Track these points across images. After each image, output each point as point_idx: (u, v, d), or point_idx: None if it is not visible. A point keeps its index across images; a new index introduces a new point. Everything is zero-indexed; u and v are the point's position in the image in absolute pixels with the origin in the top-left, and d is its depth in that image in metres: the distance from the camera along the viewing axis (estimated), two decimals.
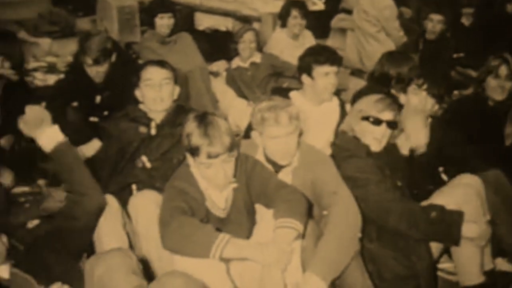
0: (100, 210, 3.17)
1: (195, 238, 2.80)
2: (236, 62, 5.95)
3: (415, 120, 3.75)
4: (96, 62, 4.60)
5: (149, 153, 3.72)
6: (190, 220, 2.90)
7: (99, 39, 4.61)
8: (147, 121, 3.78)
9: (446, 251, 3.66)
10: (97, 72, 4.64)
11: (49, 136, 3.14)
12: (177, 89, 3.89)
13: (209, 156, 2.92)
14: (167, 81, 3.80)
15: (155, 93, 3.76)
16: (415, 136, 3.72)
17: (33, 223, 3.63)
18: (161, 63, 3.87)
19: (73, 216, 3.06)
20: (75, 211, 3.06)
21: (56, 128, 3.18)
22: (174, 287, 2.44)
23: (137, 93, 3.84)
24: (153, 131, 3.77)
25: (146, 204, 3.28)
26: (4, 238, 2.95)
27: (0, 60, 4.32)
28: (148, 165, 3.71)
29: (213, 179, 3.02)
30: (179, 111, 3.84)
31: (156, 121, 3.79)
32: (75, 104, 4.73)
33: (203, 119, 2.96)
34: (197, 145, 2.92)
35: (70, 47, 6.94)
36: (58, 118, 4.46)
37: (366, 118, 3.51)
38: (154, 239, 3.06)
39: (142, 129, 3.77)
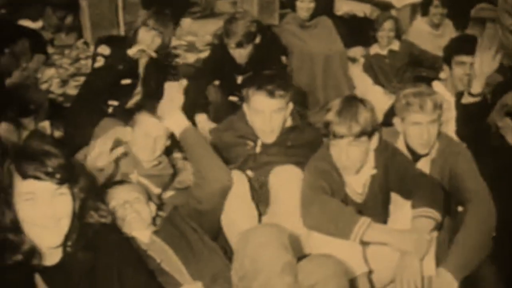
0: (224, 191, 3.16)
1: (337, 219, 2.86)
2: (374, 49, 5.93)
3: None
4: (239, 45, 4.69)
5: (254, 168, 3.61)
6: (333, 200, 2.96)
7: (243, 23, 4.68)
8: (254, 138, 3.64)
9: None
10: (240, 54, 4.75)
11: (176, 121, 3.21)
12: (290, 107, 3.62)
13: (334, 135, 2.99)
14: (278, 111, 3.51)
15: (265, 124, 3.54)
16: None
17: (167, 194, 3.82)
18: (271, 92, 3.46)
19: (198, 199, 3.11)
20: (198, 193, 3.11)
21: (181, 115, 3.24)
22: (325, 269, 2.49)
23: (245, 109, 3.67)
24: (258, 149, 3.65)
25: (288, 179, 3.29)
26: (153, 207, 3.12)
27: (152, 35, 4.48)
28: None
29: (336, 160, 3.08)
30: (291, 132, 3.67)
31: (263, 141, 3.63)
32: (216, 83, 4.88)
33: (347, 101, 3.06)
34: (328, 121, 3.01)
35: (209, 27, 7.17)
36: (199, 96, 4.75)
37: (510, 114, 3.45)
38: (293, 216, 3.10)
39: (249, 145, 3.66)
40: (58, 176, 2.05)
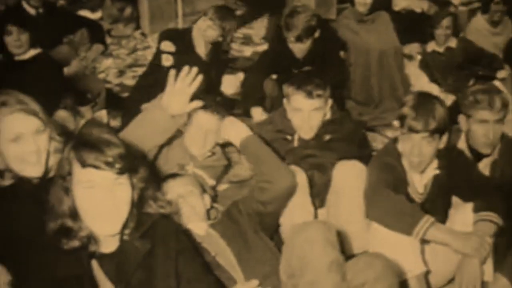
0: (291, 192, 3.09)
1: (402, 213, 2.83)
2: (431, 46, 5.83)
3: None
4: (299, 39, 4.67)
5: (293, 163, 3.53)
6: (397, 195, 2.93)
7: (303, 17, 4.65)
8: (292, 132, 3.66)
9: None
10: (299, 48, 4.73)
11: (236, 133, 3.06)
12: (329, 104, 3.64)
13: (410, 129, 2.95)
14: (316, 110, 3.56)
15: (303, 122, 3.58)
16: None
17: (222, 187, 3.83)
18: (310, 93, 3.51)
19: (264, 203, 3.02)
20: (264, 197, 3.01)
21: (241, 125, 3.11)
22: (375, 269, 2.46)
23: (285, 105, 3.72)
24: (295, 143, 3.66)
25: (351, 174, 3.27)
26: (208, 200, 3.13)
27: (207, 25, 4.51)
28: None
29: (407, 154, 3.04)
30: (329, 125, 3.67)
31: (301, 136, 3.65)
32: (274, 77, 4.88)
33: (423, 96, 3.04)
34: (404, 115, 2.98)
35: (266, 21, 7.17)
36: (255, 90, 4.75)
37: None
38: (357, 210, 3.11)
39: (287, 139, 3.67)
40: (117, 166, 2.05)
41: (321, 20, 4.94)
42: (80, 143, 2.08)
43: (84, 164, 2.04)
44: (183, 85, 2.65)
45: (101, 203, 2.06)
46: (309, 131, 3.58)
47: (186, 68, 2.66)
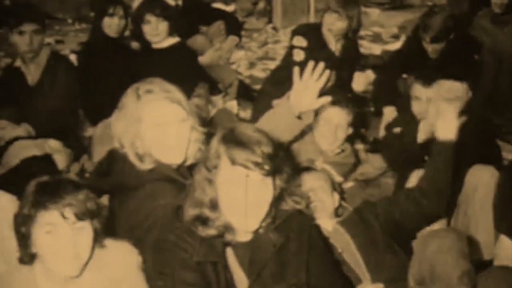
0: (434, 218, 2.96)
1: None
2: None
3: None
4: (434, 40, 4.59)
5: None
6: None
7: (440, 17, 4.56)
8: None
9: None
10: (433, 48, 4.64)
11: (449, 127, 2.82)
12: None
13: None
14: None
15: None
16: None
17: (348, 185, 3.82)
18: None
19: (411, 218, 2.88)
20: (413, 215, 2.86)
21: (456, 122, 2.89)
22: (507, 283, 2.39)
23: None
24: None
25: (485, 180, 3.17)
26: (337, 197, 3.12)
27: (334, 18, 4.51)
28: None
29: None
30: None
31: None
32: (405, 76, 4.81)
33: None
34: None
35: (397, 19, 7.08)
36: (388, 89, 4.71)
37: None
38: (486, 220, 3.02)
39: None
40: (266, 167, 2.06)
41: (457, 21, 4.82)
42: (231, 140, 2.10)
43: (234, 162, 2.06)
44: (310, 81, 2.61)
45: (243, 201, 2.07)
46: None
47: (312, 64, 2.62)
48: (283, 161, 2.18)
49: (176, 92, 2.51)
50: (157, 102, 2.46)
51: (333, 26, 4.51)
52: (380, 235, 2.87)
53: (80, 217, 2.05)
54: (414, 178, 3.17)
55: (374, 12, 7.39)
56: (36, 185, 2.08)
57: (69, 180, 2.14)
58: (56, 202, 2.02)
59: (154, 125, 2.44)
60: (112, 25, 4.50)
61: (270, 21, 6.99)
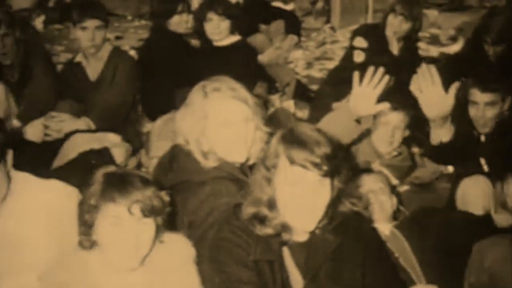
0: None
1: None
2: None
3: None
4: (494, 43, 4.51)
5: None
6: None
7: (502, 18, 4.49)
8: None
9: None
10: (495, 51, 4.57)
11: None
12: None
13: None
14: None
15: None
16: None
17: (403, 188, 3.79)
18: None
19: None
20: None
21: None
22: None
23: None
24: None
25: None
26: (395, 200, 3.11)
27: (399, 20, 4.49)
28: None
29: None
30: None
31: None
32: (463, 79, 4.74)
33: None
34: None
35: (454, 20, 6.97)
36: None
37: None
38: None
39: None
40: (324, 168, 2.04)
41: None
42: (291, 139, 2.09)
43: (292, 162, 2.05)
44: (368, 87, 2.61)
45: (301, 201, 2.07)
46: (483, 125, 3.52)
47: (371, 69, 2.61)
48: (342, 162, 2.16)
49: (242, 91, 2.51)
50: (223, 100, 2.47)
51: (399, 28, 4.49)
52: (437, 243, 2.86)
53: (145, 214, 2.07)
54: None
55: (432, 13, 7.29)
56: (104, 176, 2.10)
57: (137, 174, 2.15)
58: (125, 197, 2.04)
59: (219, 123, 2.46)
60: (181, 22, 4.59)
61: (328, 20, 6.97)
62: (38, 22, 7.02)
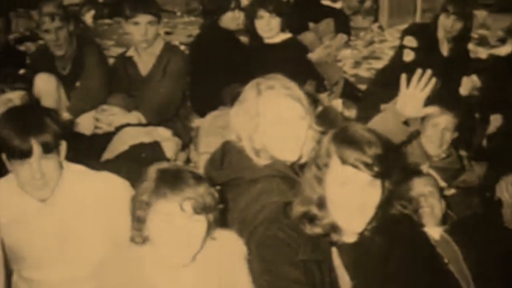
0: None
1: None
2: None
3: None
4: None
5: None
6: None
7: None
8: None
9: None
10: None
11: None
12: None
13: None
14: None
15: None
16: None
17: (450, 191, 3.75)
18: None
19: None
20: None
21: None
22: None
23: None
24: None
25: None
26: (444, 204, 3.08)
27: (452, 20, 4.45)
28: None
29: None
30: None
31: None
32: None
33: None
34: None
35: (503, 21, 6.88)
36: (494, 95, 4.60)
37: None
38: None
39: None
40: (375, 169, 2.04)
41: None
42: (343, 139, 2.09)
43: (344, 162, 2.05)
44: (416, 90, 2.59)
45: (351, 201, 2.07)
46: None
47: (419, 72, 2.59)
48: (393, 164, 2.15)
49: (296, 90, 2.52)
50: (277, 99, 2.47)
51: (452, 28, 4.46)
52: (489, 251, 2.81)
53: (197, 211, 2.07)
54: None
55: (481, 14, 7.19)
56: (157, 172, 2.11)
57: (189, 171, 2.15)
58: (177, 194, 2.05)
59: (273, 121, 2.46)
60: (233, 19, 4.63)
61: (375, 20, 6.94)
62: (88, 17, 7.15)
